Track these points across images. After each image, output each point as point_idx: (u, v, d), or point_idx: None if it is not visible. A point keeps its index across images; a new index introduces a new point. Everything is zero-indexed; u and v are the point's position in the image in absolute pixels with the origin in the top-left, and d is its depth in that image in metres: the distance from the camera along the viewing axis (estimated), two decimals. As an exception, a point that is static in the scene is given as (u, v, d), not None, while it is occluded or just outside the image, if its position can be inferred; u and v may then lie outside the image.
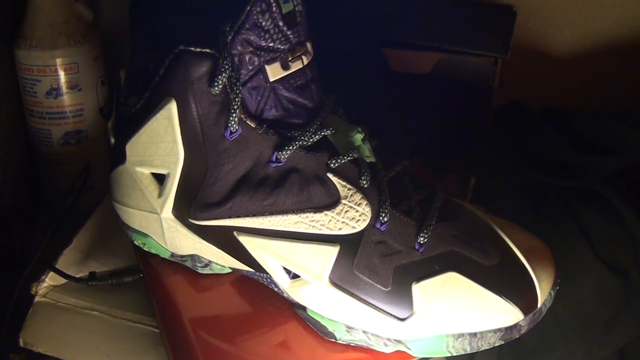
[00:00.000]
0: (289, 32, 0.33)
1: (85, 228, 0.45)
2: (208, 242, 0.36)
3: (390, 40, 0.48)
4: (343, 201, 0.34)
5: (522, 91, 0.57)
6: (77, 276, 0.41)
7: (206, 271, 0.39)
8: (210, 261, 0.38)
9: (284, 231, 0.34)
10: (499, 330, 0.34)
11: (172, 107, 0.33)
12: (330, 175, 0.34)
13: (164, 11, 0.46)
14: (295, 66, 0.34)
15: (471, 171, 0.49)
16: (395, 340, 0.34)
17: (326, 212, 0.34)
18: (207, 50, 0.32)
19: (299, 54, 0.34)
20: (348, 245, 0.34)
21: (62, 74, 0.50)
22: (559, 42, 0.58)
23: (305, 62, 0.34)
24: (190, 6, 0.43)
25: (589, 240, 0.44)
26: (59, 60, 0.50)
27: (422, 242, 0.34)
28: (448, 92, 0.49)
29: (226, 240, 0.36)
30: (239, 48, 0.32)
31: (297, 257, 0.34)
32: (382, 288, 0.34)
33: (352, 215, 0.34)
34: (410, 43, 0.48)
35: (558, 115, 0.53)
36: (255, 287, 0.38)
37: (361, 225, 0.34)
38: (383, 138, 0.38)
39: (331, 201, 0.34)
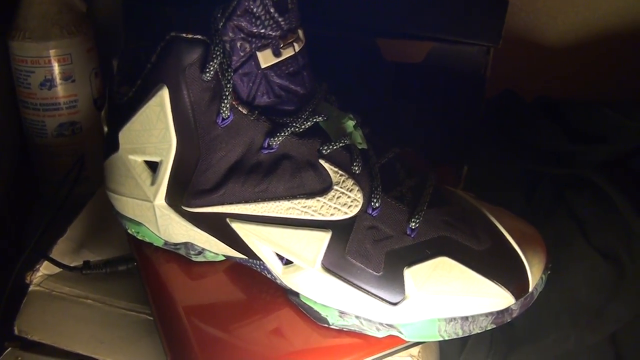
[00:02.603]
0: (280, 19, 0.33)
1: (79, 218, 0.45)
2: (201, 229, 0.37)
3: (383, 29, 0.48)
4: (335, 187, 0.34)
5: (515, 80, 0.57)
6: (72, 265, 0.41)
7: (199, 259, 0.39)
8: (203, 249, 0.39)
9: (277, 217, 0.34)
10: (491, 314, 0.35)
11: (164, 94, 0.33)
12: (322, 162, 0.34)
13: (157, 1, 0.46)
14: (287, 53, 0.34)
15: (464, 160, 0.49)
16: (387, 324, 0.35)
17: (318, 198, 0.34)
18: (199, 37, 0.32)
19: (290, 40, 0.34)
20: (340, 230, 0.34)
21: (55, 65, 0.51)
22: (552, 31, 0.59)
23: (297, 49, 0.35)
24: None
25: (582, 227, 0.44)
26: (52, 52, 0.50)
27: (413, 227, 0.34)
28: (440, 80, 0.49)
29: (219, 227, 0.36)
30: (231, 34, 0.32)
31: (290, 243, 0.34)
32: (374, 273, 0.34)
33: (344, 201, 0.34)
34: (403, 32, 0.48)
35: (550, 104, 0.54)
36: (248, 274, 0.39)
37: (353, 211, 0.34)
38: (375, 126, 0.38)
39: (323, 187, 0.34)
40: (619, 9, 0.57)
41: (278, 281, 0.37)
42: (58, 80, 0.51)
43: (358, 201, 0.34)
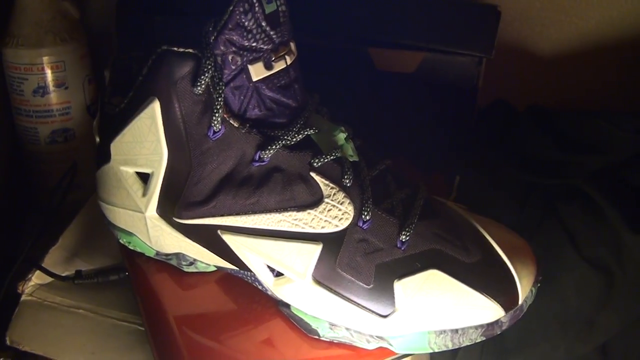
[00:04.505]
0: (272, 32, 0.33)
1: (71, 227, 0.45)
2: (192, 240, 0.37)
3: (376, 39, 0.48)
4: (326, 200, 0.34)
5: (507, 89, 0.58)
6: (63, 275, 0.41)
7: (191, 269, 0.39)
8: (195, 259, 0.39)
9: (268, 230, 0.34)
10: (481, 326, 0.35)
11: (156, 107, 0.33)
12: (313, 175, 0.34)
13: (150, 10, 0.46)
14: (279, 66, 0.34)
15: (456, 170, 0.49)
16: (377, 336, 0.35)
17: (309, 210, 0.34)
18: (190, 51, 0.32)
19: (282, 53, 0.34)
20: (331, 243, 0.34)
21: (48, 72, 0.51)
22: (545, 41, 0.59)
23: (289, 62, 0.35)
24: (177, 6, 0.43)
25: (572, 237, 0.44)
26: (45, 59, 0.50)
27: (404, 240, 0.34)
28: (433, 91, 0.49)
29: (210, 239, 0.36)
30: (222, 48, 0.32)
31: (281, 256, 0.34)
32: (365, 285, 0.34)
33: (334, 213, 0.34)
34: (395, 42, 0.48)
35: (542, 114, 0.54)
36: (239, 285, 0.39)
37: (344, 224, 0.34)
38: (368, 137, 0.38)
39: (314, 200, 0.34)
40: (613, 19, 0.57)
41: (269, 292, 0.37)
42: (51, 87, 0.51)
43: (349, 214, 0.34)
